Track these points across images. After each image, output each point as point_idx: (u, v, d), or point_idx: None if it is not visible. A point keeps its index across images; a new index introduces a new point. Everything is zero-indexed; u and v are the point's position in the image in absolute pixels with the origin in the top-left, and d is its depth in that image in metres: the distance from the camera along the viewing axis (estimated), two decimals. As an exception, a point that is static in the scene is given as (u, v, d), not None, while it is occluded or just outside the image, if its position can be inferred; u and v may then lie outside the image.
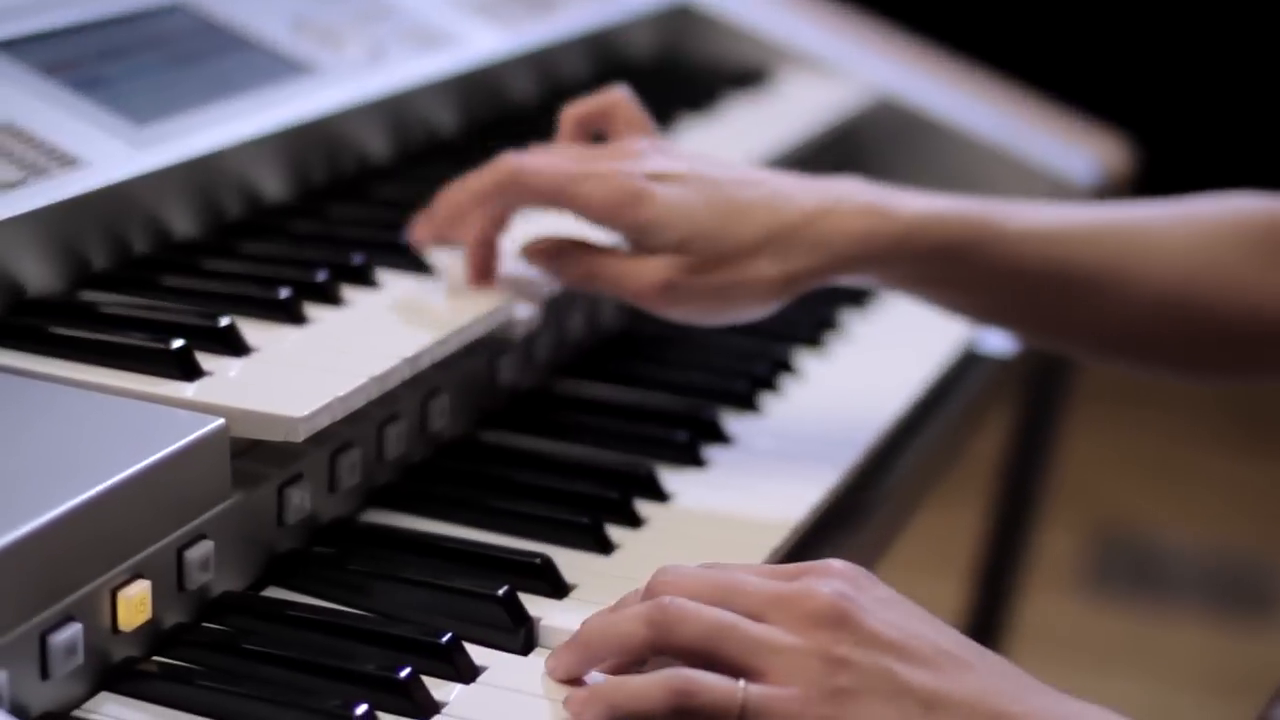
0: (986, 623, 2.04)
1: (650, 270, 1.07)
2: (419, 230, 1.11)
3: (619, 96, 1.16)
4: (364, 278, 1.09)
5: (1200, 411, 3.72)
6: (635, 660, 0.84)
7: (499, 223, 1.10)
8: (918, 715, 0.79)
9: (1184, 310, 1.14)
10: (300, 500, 0.96)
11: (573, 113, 1.17)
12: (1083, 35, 4.10)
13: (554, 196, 1.07)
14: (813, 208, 1.08)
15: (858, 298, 1.41)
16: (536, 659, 0.88)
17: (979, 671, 0.81)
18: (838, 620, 0.80)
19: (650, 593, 0.84)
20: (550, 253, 1.10)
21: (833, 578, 0.83)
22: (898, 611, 0.83)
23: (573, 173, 1.07)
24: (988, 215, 1.12)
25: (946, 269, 1.11)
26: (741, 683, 0.79)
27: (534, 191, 1.08)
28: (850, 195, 1.09)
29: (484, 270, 1.10)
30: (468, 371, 1.12)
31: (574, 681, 0.85)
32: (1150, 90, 4.00)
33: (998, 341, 1.43)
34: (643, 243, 1.07)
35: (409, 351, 0.99)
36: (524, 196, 1.08)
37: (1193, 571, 3.10)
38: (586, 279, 1.10)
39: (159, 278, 1.07)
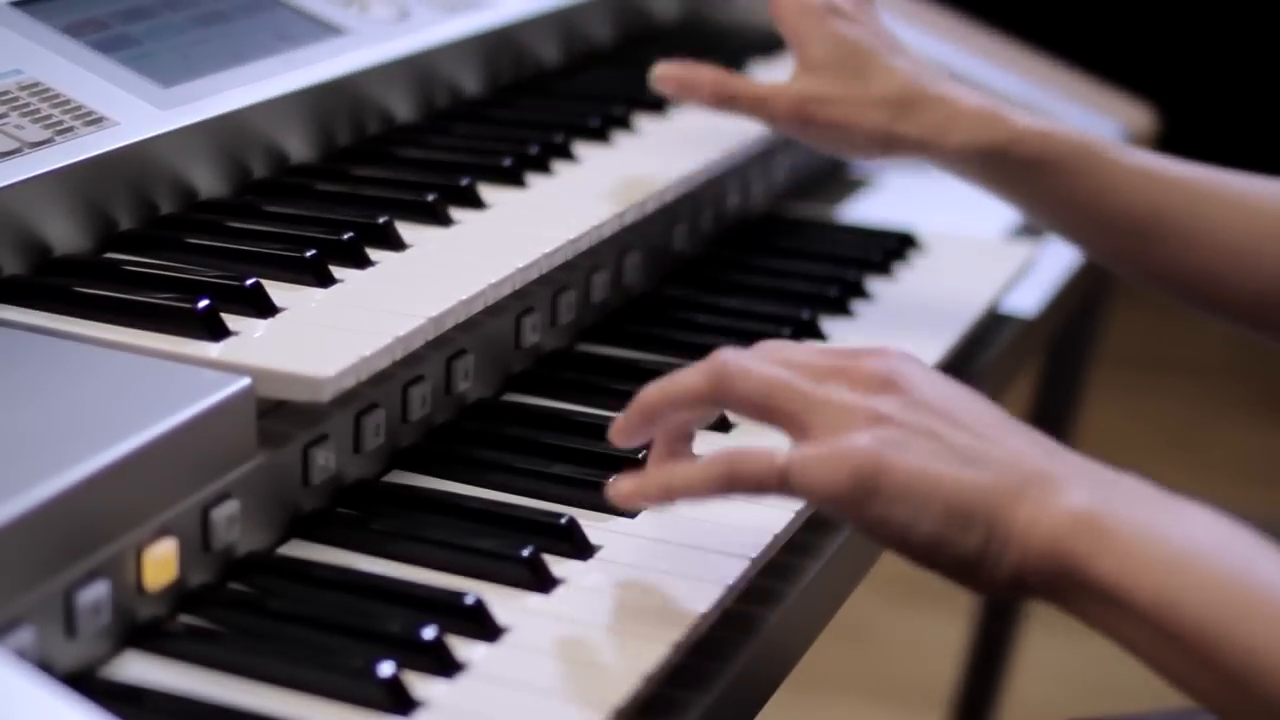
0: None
1: (786, 92, 1.22)
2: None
3: None
4: (388, 238, 1.09)
5: (1221, 381, 3.71)
6: (693, 411, 0.90)
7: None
8: (956, 465, 0.83)
9: (1251, 269, 1.20)
10: (325, 460, 0.96)
11: None
12: (1106, 5, 4.09)
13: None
14: (941, 93, 1.22)
15: (883, 266, 1.40)
16: (561, 619, 0.88)
17: (1020, 438, 0.86)
18: (887, 384, 0.86)
19: (711, 361, 0.89)
20: (682, 75, 1.24)
21: (887, 355, 0.88)
22: (946, 385, 0.88)
23: None
24: (1091, 143, 1.22)
25: (1044, 181, 1.22)
26: (781, 450, 0.84)
27: None
28: (972, 96, 1.23)
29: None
30: (492, 332, 1.12)
31: (632, 465, 0.94)
32: (1172, 59, 3.98)
33: (1021, 300, 1.43)
34: (801, 52, 1.23)
35: (433, 311, 0.99)
36: None
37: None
38: (725, 99, 1.24)
39: (185, 237, 1.07)
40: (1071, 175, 1.21)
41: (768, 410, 0.87)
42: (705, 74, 1.24)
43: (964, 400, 0.87)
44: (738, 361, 0.87)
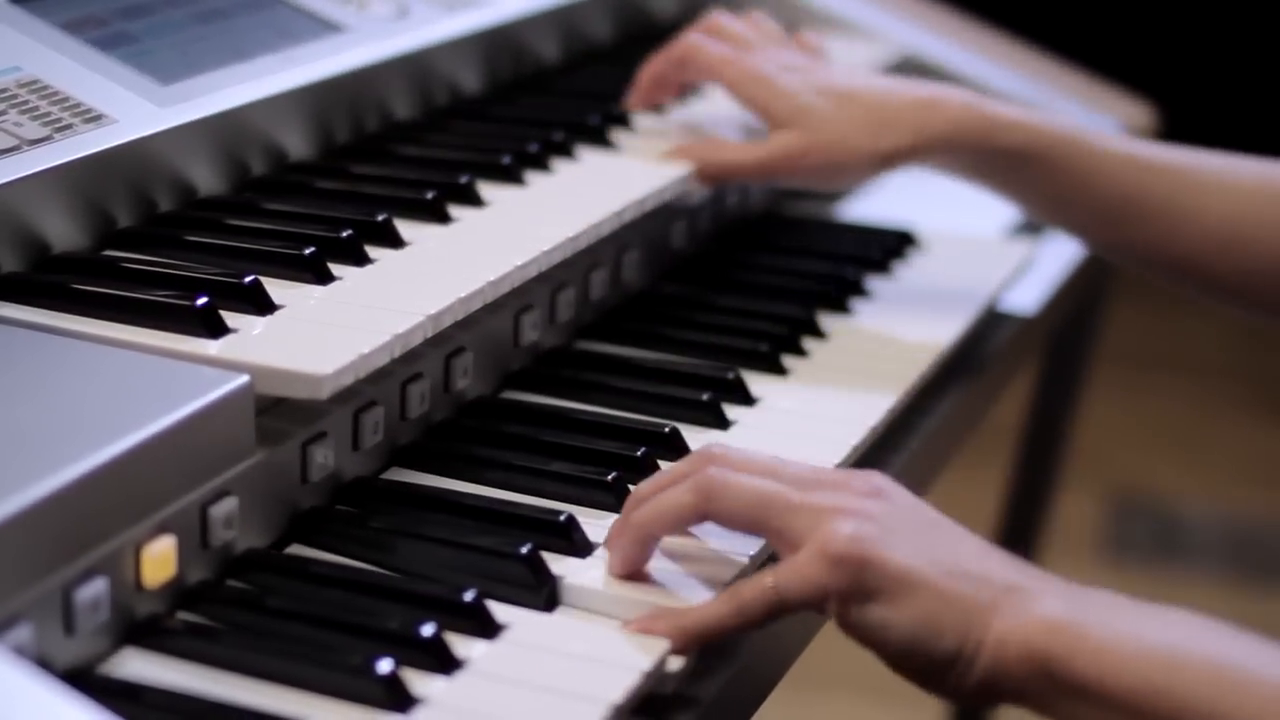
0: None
1: (766, 148, 1.24)
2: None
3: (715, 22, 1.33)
4: (387, 235, 1.09)
5: (1220, 379, 3.71)
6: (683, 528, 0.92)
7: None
8: (937, 569, 0.84)
9: (1236, 247, 1.23)
10: (324, 458, 0.96)
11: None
12: (1104, 1, 4.09)
13: (715, 74, 1.28)
14: (914, 98, 1.24)
15: (882, 264, 1.40)
16: (559, 616, 0.89)
17: (996, 557, 0.88)
18: (873, 492, 0.88)
19: (696, 463, 0.90)
20: (678, 150, 1.26)
21: (873, 475, 0.91)
22: (929, 507, 0.90)
23: (728, 57, 1.27)
24: (1072, 131, 1.25)
25: (1027, 170, 1.24)
26: (769, 577, 0.86)
27: (704, 64, 1.29)
28: (951, 94, 1.25)
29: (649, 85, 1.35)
30: (491, 330, 1.12)
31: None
32: (1171, 55, 3.98)
33: (1021, 298, 1.43)
34: (768, 117, 1.25)
35: (432, 309, 0.99)
36: (690, 73, 1.31)
37: (1211, 538, 3.10)
38: (718, 180, 1.26)
39: (184, 235, 1.07)
40: (1053, 163, 1.23)
41: (755, 523, 0.88)
42: (694, 151, 1.26)
43: (945, 519, 0.89)
44: (723, 477, 0.88)
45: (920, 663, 0.85)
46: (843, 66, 1.31)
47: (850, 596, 0.84)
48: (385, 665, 0.81)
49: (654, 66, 1.33)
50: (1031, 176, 1.25)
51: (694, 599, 0.90)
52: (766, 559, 0.97)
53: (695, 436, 1.08)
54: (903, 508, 0.88)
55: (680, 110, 1.40)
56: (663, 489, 0.91)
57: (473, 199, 1.16)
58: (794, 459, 0.92)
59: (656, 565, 0.93)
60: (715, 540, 0.95)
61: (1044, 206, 1.29)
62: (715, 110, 1.40)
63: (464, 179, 1.17)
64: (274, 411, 0.95)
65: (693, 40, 1.30)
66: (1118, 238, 1.27)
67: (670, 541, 0.94)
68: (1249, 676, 0.80)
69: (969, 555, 0.87)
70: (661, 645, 0.86)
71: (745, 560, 0.94)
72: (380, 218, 1.09)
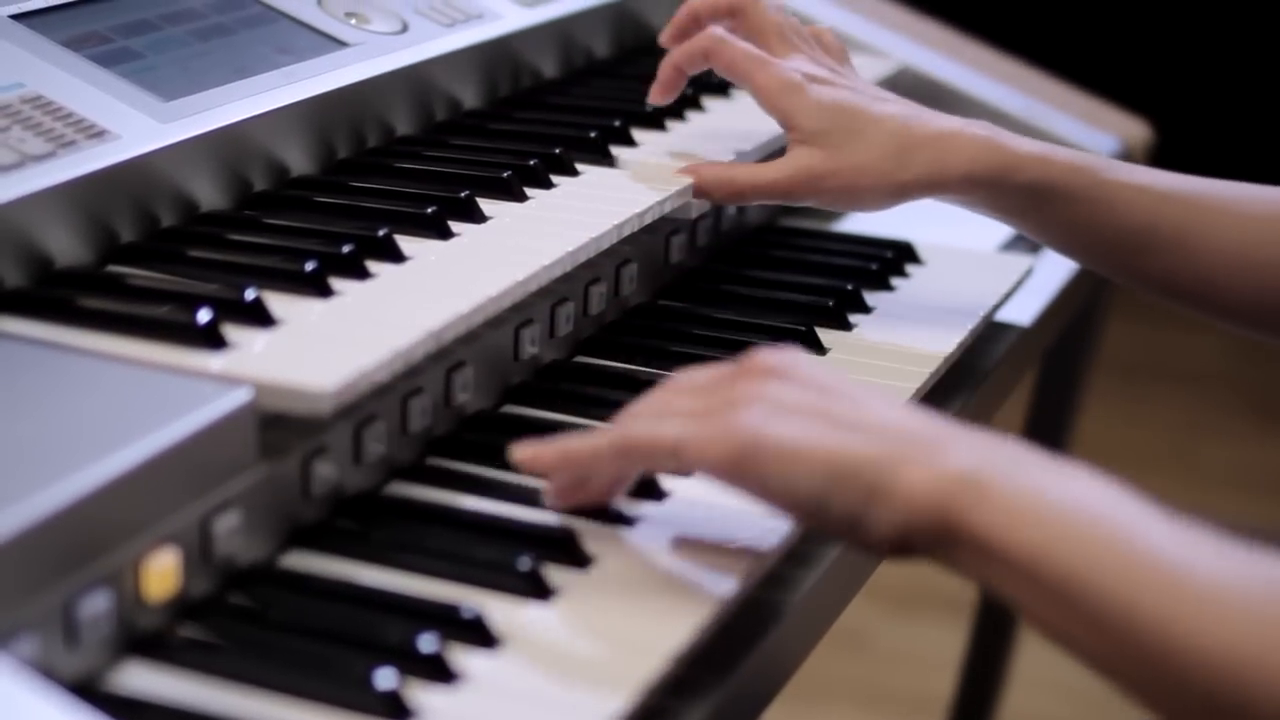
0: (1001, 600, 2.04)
1: (786, 167, 1.25)
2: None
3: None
4: (388, 250, 1.09)
5: (1217, 390, 3.72)
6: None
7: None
8: (836, 432, 0.87)
9: (1249, 273, 1.23)
10: (325, 472, 0.97)
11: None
12: (1101, 22, 4.10)
13: (741, 72, 1.27)
14: (936, 130, 1.24)
15: (880, 277, 1.41)
16: (559, 629, 0.89)
17: (903, 411, 0.90)
18: (772, 371, 0.92)
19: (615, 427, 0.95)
20: (693, 173, 1.27)
21: (773, 351, 0.94)
22: (832, 371, 0.93)
23: (756, 59, 1.26)
24: (1089, 164, 1.25)
25: (1045, 205, 1.25)
26: (668, 423, 0.91)
27: (730, 59, 1.27)
28: (972, 128, 1.25)
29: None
30: (491, 344, 1.13)
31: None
32: (1167, 72, 3.99)
33: (1018, 311, 1.44)
34: (789, 127, 1.25)
35: (433, 324, 0.99)
36: (721, 58, 1.28)
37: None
38: (735, 196, 1.27)
39: (186, 250, 1.08)
40: (1069, 196, 1.24)
41: (674, 455, 0.91)
42: (708, 172, 1.27)
43: (848, 381, 0.92)
44: (635, 420, 0.94)
45: (833, 519, 0.87)
46: (869, 84, 1.31)
47: (747, 471, 0.88)
48: (386, 678, 0.81)
49: (676, 59, 1.32)
50: (1048, 212, 1.25)
51: (694, 613, 0.90)
52: (766, 572, 0.98)
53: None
54: (801, 378, 0.91)
55: (680, 126, 1.41)
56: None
57: (473, 213, 1.17)
58: None
59: (655, 576, 0.93)
60: (715, 551, 0.96)
61: (1060, 240, 1.29)
62: (715, 126, 1.40)
63: (464, 193, 1.17)
64: (276, 426, 0.95)
65: (717, 35, 1.28)
66: (1133, 267, 1.27)
67: (669, 549, 0.95)
68: (1146, 549, 0.81)
69: (874, 412, 0.89)
70: (659, 661, 0.86)
71: (745, 573, 0.94)
72: (381, 233, 1.10)
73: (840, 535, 0.89)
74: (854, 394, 0.91)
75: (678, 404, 0.93)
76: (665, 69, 1.32)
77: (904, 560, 0.88)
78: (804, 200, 1.27)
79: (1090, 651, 0.81)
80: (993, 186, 1.25)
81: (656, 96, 1.33)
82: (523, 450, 0.95)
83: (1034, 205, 1.25)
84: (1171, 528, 0.83)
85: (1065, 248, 1.30)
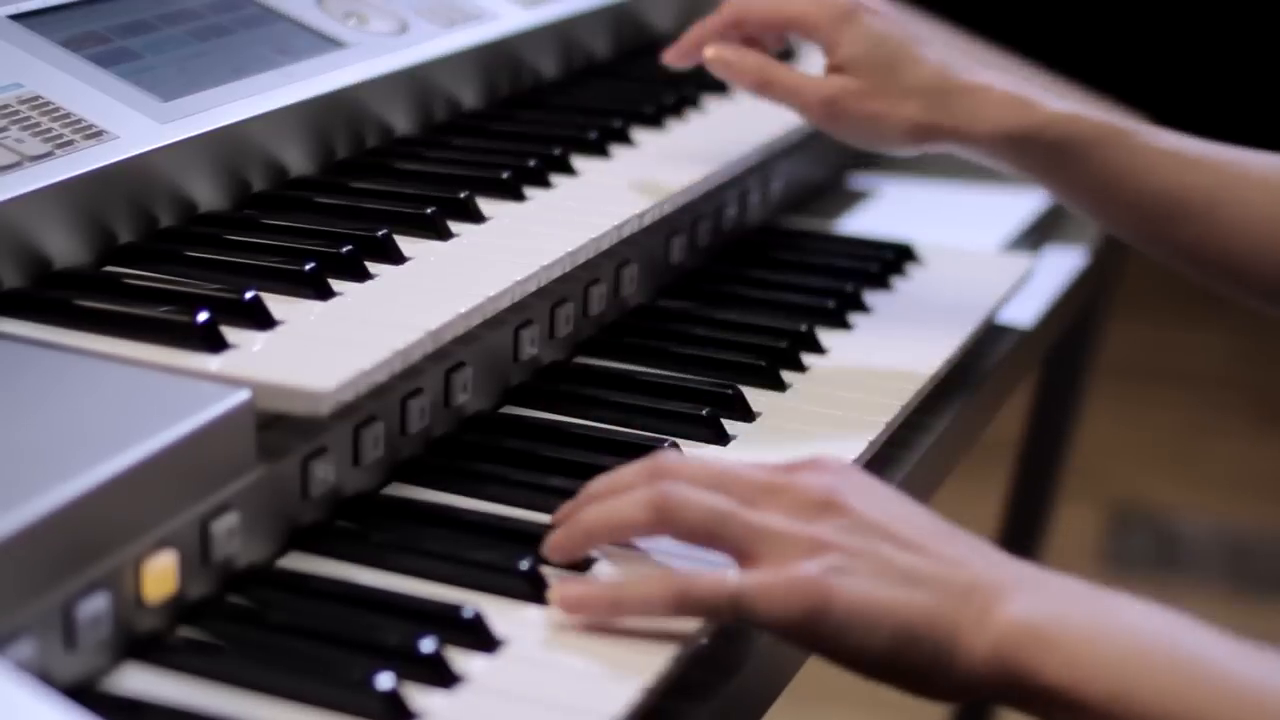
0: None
1: (821, 85, 1.24)
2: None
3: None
4: (387, 251, 1.09)
5: (1218, 392, 3.72)
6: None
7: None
8: (900, 587, 0.84)
9: (1275, 247, 1.22)
10: (324, 473, 0.96)
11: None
12: (1100, 21, 4.09)
13: (777, 14, 1.28)
14: (971, 81, 1.23)
15: (881, 278, 1.41)
16: (560, 631, 0.89)
17: (958, 546, 0.87)
18: (827, 506, 0.87)
19: (649, 474, 0.90)
20: (730, 59, 1.27)
21: (823, 470, 0.90)
22: (884, 498, 0.89)
23: None
24: (1119, 125, 1.24)
25: (1072, 164, 1.23)
26: (731, 573, 0.85)
27: (761, 12, 1.28)
28: (1006, 83, 1.24)
29: (695, 45, 1.30)
30: (490, 345, 1.12)
31: (571, 566, 0.93)
32: (1164, 69, 3.99)
33: (1019, 312, 1.43)
34: (833, 54, 1.24)
35: (432, 324, 0.99)
36: (752, 16, 1.28)
37: (1209, 551, 3.10)
38: (763, 85, 1.26)
39: (184, 250, 1.07)
40: (1099, 158, 1.23)
41: (712, 539, 0.88)
42: (750, 60, 1.27)
43: (903, 512, 0.89)
44: (678, 492, 0.88)
45: (902, 676, 0.85)
46: (916, 22, 1.29)
47: (817, 630, 0.84)
48: (385, 680, 0.81)
49: (705, 30, 1.31)
50: (1075, 171, 1.24)
51: (683, 625, 0.90)
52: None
53: (695, 452, 1.09)
54: (859, 517, 0.87)
55: (680, 126, 1.40)
56: (617, 491, 0.90)
57: (472, 214, 1.17)
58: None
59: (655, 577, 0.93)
60: (706, 558, 0.95)
61: (1085, 201, 1.27)
62: (715, 126, 1.40)
63: (463, 194, 1.17)
64: (275, 427, 0.95)
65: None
66: (1159, 234, 1.25)
67: (669, 551, 0.95)
68: (1219, 674, 0.80)
69: (933, 550, 0.86)
70: (660, 662, 0.86)
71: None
72: (380, 233, 1.09)
73: (905, 689, 0.86)
74: (911, 528, 0.87)
75: (734, 512, 0.87)
76: (690, 36, 1.31)
77: (970, 704, 0.87)
78: (826, 122, 1.26)
79: None
80: (1018, 145, 1.23)
81: (672, 56, 1.32)
82: (567, 590, 0.88)
83: (1060, 164, 1.24)
84: (1234, 648, 0.82)
85: (1093, 210, 1.28)
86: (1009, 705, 0.86)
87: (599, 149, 1.31)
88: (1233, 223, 1.22)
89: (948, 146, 1.25)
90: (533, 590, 0.91)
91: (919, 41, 1.25)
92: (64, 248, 1.03)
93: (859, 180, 1.69)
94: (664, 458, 0.92)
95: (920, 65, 1.23)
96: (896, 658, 0.84)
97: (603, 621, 0.88)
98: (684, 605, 0.86)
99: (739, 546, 0.87)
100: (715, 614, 0.87)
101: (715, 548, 0.88)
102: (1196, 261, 1.26)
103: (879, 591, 0.84)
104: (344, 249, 1.06)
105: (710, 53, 1.28)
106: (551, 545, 0.91)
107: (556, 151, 1.28)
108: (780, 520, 0.87)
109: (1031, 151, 1.24)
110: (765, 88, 1.26)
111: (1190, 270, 1.28)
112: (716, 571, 0.86)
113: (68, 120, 1.06)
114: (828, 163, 1.66)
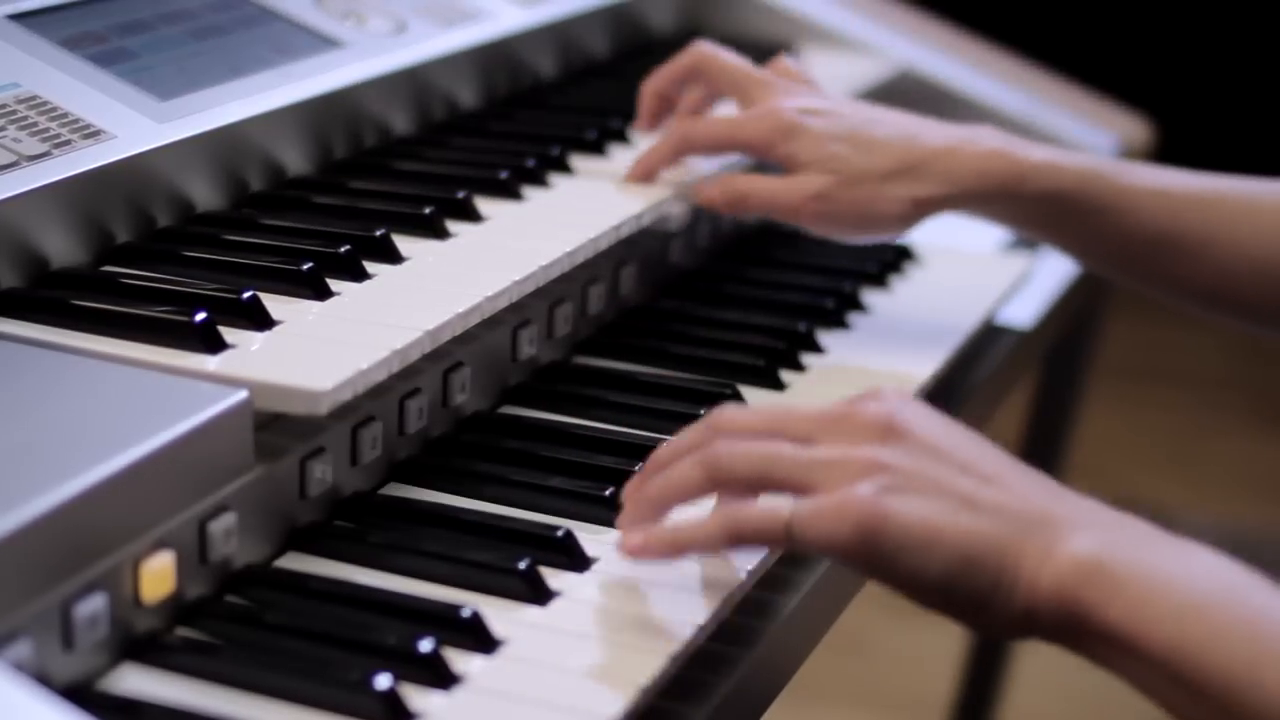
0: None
1: (801, 185, 1.21)
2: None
3: (705, 53, 1.28)
4: (385, 251, 1.09)
5: (1218, 392, 3.72)
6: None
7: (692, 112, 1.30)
8: (960, 512, 0.83)
9: (1267, 272, 1.21)
10: (322, 473, 0.96)
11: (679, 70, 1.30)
12: (1101, 16, 4.09)
13: (725, 139, 1.24)
14: (942, 145, 1.22)
15: (879, 278, 1.41)
16: (557, 631, 0.89)
17: (1022, 480, 0.86)
18: (887, 431, 0.86)
19: (705, 433, 0.90)
20: (713, 187, 1.24)
21: (884, 398, 0.89)
22: (947, 428, 0.88)
23: (738, 120, 1.24)
24: (1103, 170, 1.23)
25: (1059, 214, 1.22)
26: (783, 501, 0.85)
27: (707, 137, 1.25)
28: (979, 138, 1.23)
29: (648, 171, 1.26)
30: (489, 345, 1.12)
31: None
32: (1168, 70, 3.99)
33: (1018, 313, 1.43)
34: (795, 167, 1.21)
35: (430, 324, 0.99)
36: (698, 143, 1.25)
37: (1210, 551, 3.10)
38: (738, 202, 1.23)
39: (182, 250, 1.07)
40: (1084, 203, 1.22)
41: (766, 484, 0.88)
42: (718, 183, 1.24)
43: (965, 442, 0.88)
44: (724, 449, 0.88)
45: (960, 603, 0.84)
46: (862, 107, 1.26)
47: (871, 553, 0.83)
48: (384, 681, 0.81)
49: (657, 83, 1.30)
50: (1063, 221, 1.23)
51: (693, 615, 0.90)
52: (765, 574, 0.98)
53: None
54: (919, 443, 0.86)
55: (678, 125, 1.40)
56: (678, 454, 0.91)
57: (471, 214, 1.17)
58: None
59: (654, 578, 0.93)
60: (706, 558, 0.95)
61: (1077, 248, 1.27)
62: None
63: (462, 194, 1.17)
64: (272, 427, 0.95)
65: (682, 131, 1.25)
66: (1151, 272, 1.25)
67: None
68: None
69: (996, 480, 0.85)
70: (658, 663, 0.86)
71: (743, 576, 0.94)
72: (378, 233, 1.09)
73: (960, 619, 0.85)
74: (973, 457, 0.87)
75: (782, 452, 0.87)
76: (642, 162, 1.26)
77: (1026, 639, 0.86)
78: (815, 225, 1.23)
79: None
80: (1006, 198, 1.22)
81: (633, 179, 1.26)
82: (631, 539, 0.90)
83: (1053, 217, 1.23)
84: None
85: (1083, 255, 1.28)
86: (1063, 644, 0.84)
87: (597, 149, 1.31)
88: (1224, 252, 1.22)
89: (941, 211, 1.23)
90: (531, 590, 0.91)
91: (871, 124, 1.22)
92: (62, 247, 1.03)
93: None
94: (720, 412, 0.91)
95: (885, 145, 1.21)
96: (954, 585, 0.83)
97: (666, 561, 0.90)
98: (740, 538, 0.87)
99: (795, 484, 0.86)
100: (772, 543, 0.88)
101: (774, 491, 0.88)
102: (1190, 294, 1.25)
103: (938, 515, 0.83)
104: (342, 249, 1.06)
105: (700, 188, 1.25)
106: (622, 523, 0.93)
107: (555, 151, 1.28)
108: (832, 450, 0.86)
109: (1019, 204, 1.22)
110: (741, 204, 1.23)
111: (1185, 303, 1.27)
112: (769, 502, 0.86)
113: (65, 120, 1.06)
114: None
